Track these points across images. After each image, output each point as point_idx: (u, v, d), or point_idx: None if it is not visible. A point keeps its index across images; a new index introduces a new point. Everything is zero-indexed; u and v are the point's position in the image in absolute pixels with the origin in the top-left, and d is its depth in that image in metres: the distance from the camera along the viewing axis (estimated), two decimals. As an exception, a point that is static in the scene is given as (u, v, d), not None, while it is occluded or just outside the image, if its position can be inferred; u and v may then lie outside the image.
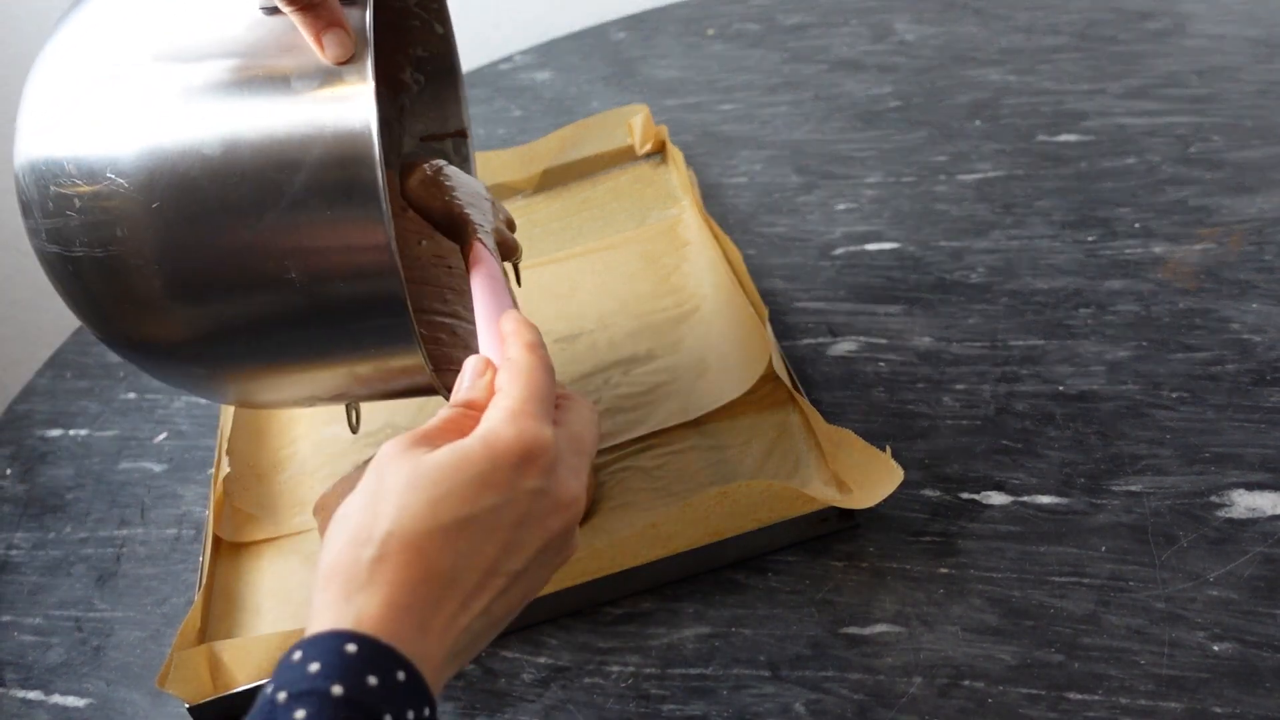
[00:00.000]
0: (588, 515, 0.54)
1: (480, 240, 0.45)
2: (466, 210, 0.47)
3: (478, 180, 0.52)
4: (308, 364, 0.43)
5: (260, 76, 0.38)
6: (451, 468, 0.32)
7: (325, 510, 0.57)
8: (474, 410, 0.36)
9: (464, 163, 0.59)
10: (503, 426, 0.33)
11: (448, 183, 0.48)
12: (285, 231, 0.38)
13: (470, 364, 0.38)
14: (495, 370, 0.37)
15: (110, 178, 0.39)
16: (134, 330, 0.42)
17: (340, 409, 0.63)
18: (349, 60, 0.38)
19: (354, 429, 0.52)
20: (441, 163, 0.50)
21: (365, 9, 0.39)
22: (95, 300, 0.42)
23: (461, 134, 0.59)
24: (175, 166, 0.38)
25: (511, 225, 0.50)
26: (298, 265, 0.38)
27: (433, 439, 0.34)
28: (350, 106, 0.37)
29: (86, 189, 0.39)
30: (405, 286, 0.39)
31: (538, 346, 0.37)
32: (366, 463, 0.58)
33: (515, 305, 0.42)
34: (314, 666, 0.29)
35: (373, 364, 0.42)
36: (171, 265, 0.39)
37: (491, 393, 0.36)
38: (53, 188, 0.40)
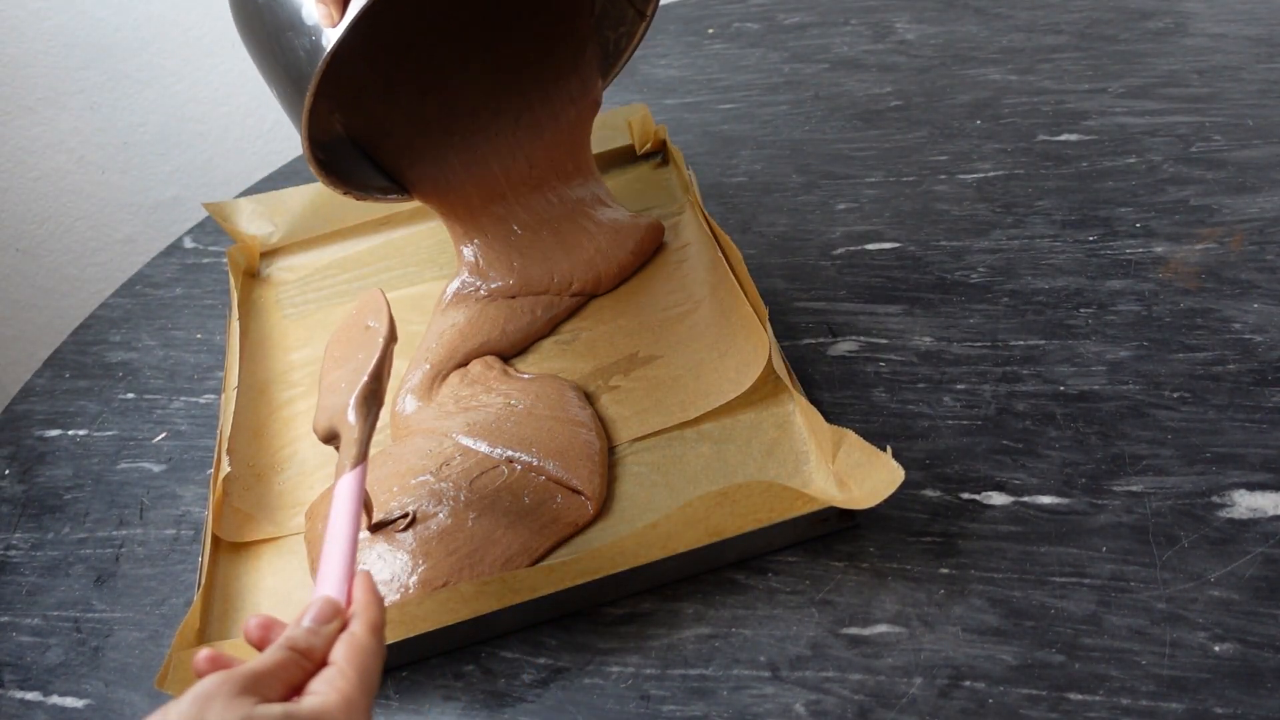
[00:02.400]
0: (599, 514, 0.54)
1: (360, 465, 0.45)
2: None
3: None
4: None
5: None
6: None
7: (313, 519, 0.57)
8: (306, 661, 0.36)
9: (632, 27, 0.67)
10: (338, 711, 0.34)
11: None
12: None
13: (318, 605, 0.38)
14: (341, 623, 0.37)
15: None
16: None
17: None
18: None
19: None
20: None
21: None
22: None
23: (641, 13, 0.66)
24: None
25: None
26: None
27: (260, 685, 0.34)
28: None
29: None
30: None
31: (379, 631, 0.37)
32: None
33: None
34: None
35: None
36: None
37: (327, 650, 0.36)
38: None
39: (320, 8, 0.48)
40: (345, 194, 0.61)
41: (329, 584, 0.39)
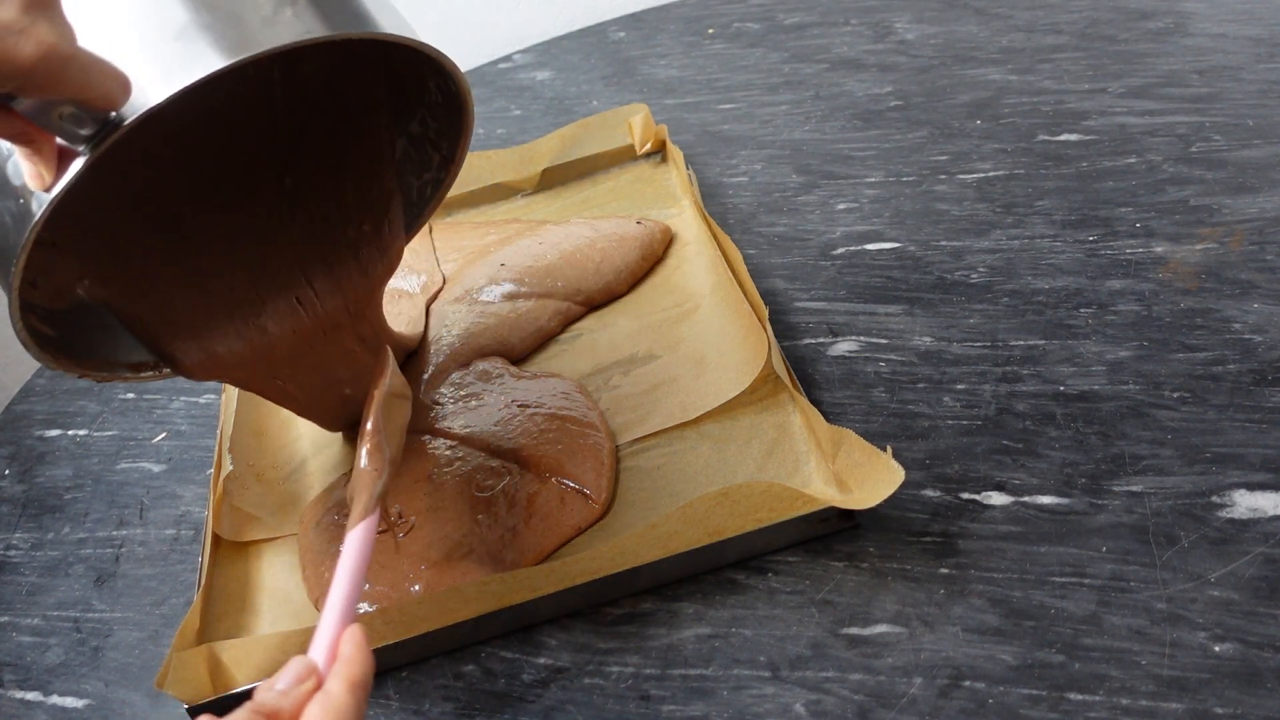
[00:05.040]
0: (605, 514, 0.54)
1: (375, 512, 0.44)
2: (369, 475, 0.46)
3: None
4: None
5: None
6: None
7: (304, 524, 0.57)
8: None
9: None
10: None
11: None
12: None
13: (293, 666, 0.37)
14: (316, 684, 0.36)
15: None
16: None
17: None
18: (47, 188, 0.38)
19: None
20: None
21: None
22: None
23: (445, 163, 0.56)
24: None
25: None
26: None
27: None
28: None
29: None
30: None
31: (359, 686, 0.36)
32: (346, 475, 0.58)
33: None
34: None
35: None
36: None
37: (299, 711, 0.35)
38: None
39: (28, 165, 0.38)
40: (80, 376, 0.50)
41: (319, 646, 0.38)
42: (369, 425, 0.47)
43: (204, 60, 0.38)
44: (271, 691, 0.35)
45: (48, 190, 0.38)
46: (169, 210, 0.52)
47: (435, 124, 0.54)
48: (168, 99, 0.37)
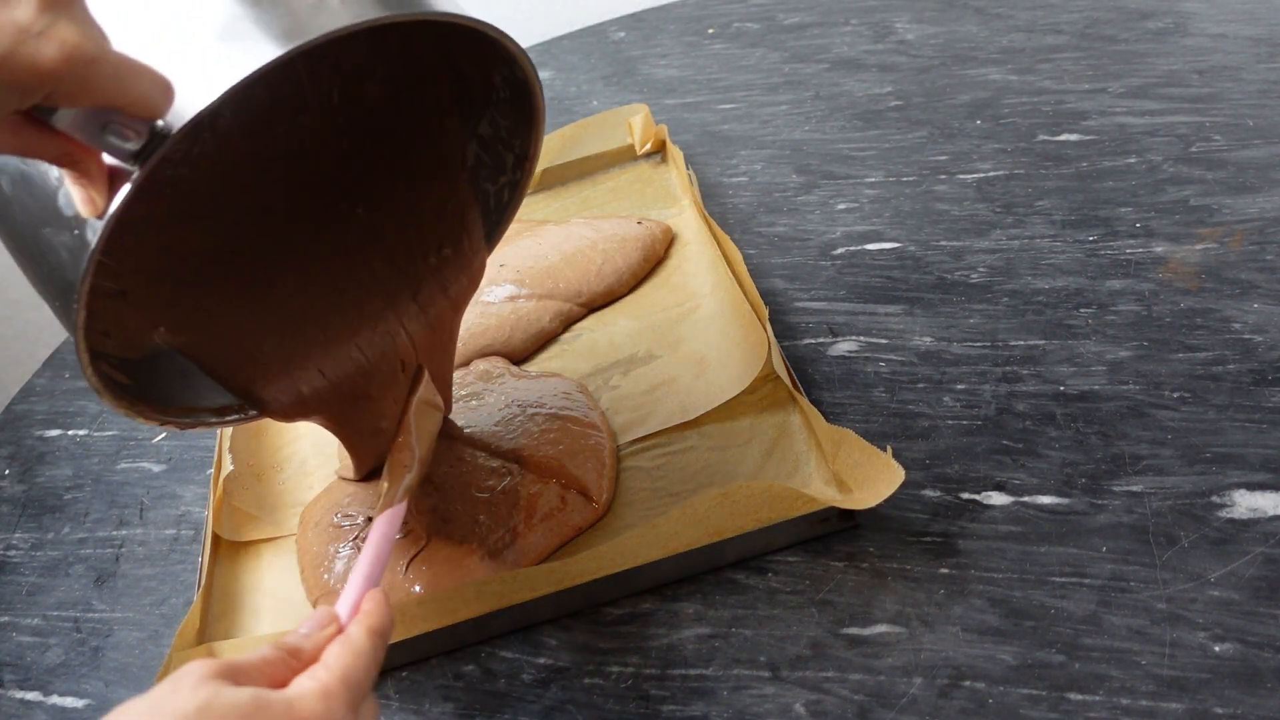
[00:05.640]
0: (605, 514, 0.54)
1: (402, 502, 0.46)
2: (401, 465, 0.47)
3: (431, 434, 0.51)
4: None
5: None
6: (248, 709, 0.31)
7: (304, 524, 0.57)
8: (295, 661, 0.35)
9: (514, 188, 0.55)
10: (312, 699, 0.33)
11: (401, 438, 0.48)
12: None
13: (318, 613, 0.38)
14: (336, 631, 0.37)
15: None
16: None
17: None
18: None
19: None
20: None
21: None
22: None
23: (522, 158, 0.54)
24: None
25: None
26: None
27: (240, 675, 0.33)
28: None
29: None
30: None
31: (378, 634, 0.37)
32: (346, 477, 0.58)
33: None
34: None
35: None
36: None
37: (318, 652, 0.36)
38: None
39: (79, 190, 0.35)
40: (162, 424, 0.47)
41: (343, 604, 0.39)
42: (403, 424, 0.49)
43: (252, 56, 0.35)
44: (294, 634, 0.37)
45: (100, 216, 0.35)
46: (242, 252, 0.49)
47: (505, 121, 0.52)
48: (218, 99, 0.34)
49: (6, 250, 0.42)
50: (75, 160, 0.34)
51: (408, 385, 0.51)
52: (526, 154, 0.52)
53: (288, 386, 0.50)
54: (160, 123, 0.34)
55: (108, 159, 0.35)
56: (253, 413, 0.50)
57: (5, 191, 0.40)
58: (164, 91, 0.34)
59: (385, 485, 0.47)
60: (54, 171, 0.37)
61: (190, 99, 0.34)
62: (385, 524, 0.44)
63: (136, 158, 0.34)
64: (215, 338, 0.48)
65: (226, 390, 0.49)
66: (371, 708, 0.36)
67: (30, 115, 0.32)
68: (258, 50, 0.35)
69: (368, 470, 0.57)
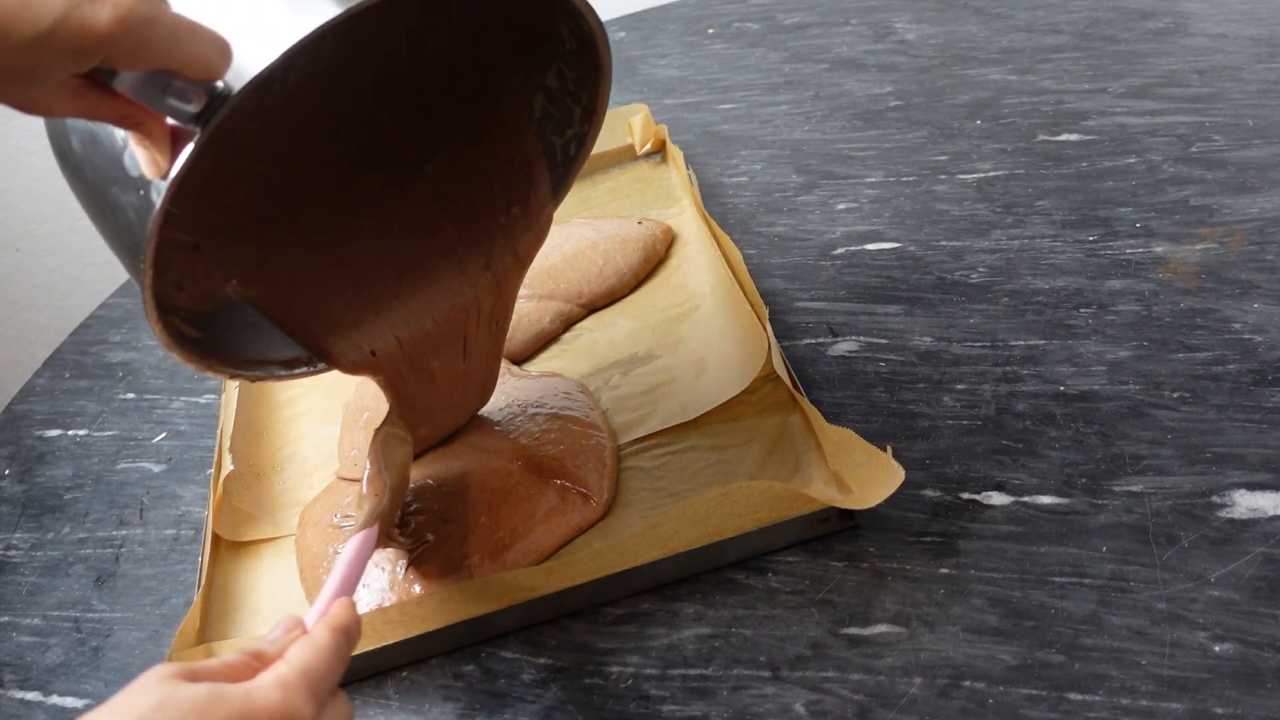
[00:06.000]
0: (605, 514, 0.54)
1: (376, 525, 0.46)
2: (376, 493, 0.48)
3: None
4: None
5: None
6: (204, 702, 0.31)
7: (304, 525, 0.57)
8: (257, 663, 0.35)
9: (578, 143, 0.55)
10: (269, 689, 0.33)
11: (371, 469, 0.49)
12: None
13: (283, 620, 0.38)
14: (301, 633, 0.37)
15: None
16: None
17: (341, 408, 0.63)
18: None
19: None
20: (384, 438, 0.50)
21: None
22: None
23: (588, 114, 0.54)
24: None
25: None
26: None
27: (200, 676, 0.33)
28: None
29: None
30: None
31: (341, 631, 0.37)
32: (345, 478, 0.58)
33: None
34: None
35: None
36: None
37: (279, 655, 0.36)
38: None
39: (142, 152, 0.36)
40: (231, 377, 0.48)
41: (310, 615, 0.39)
42: (371, 455, 0.49)
43: (311, 14, 0.35)
44: (260, 640, 0.37)
45: (164, 177, 0.35)
46: (312, 205, 0.50)
47: (572, 74, 0.52)
48: (279, 59, 0.34)
49: (80, 206, 0.43)
50: (137, 122, 0.34)
51: (465, 380, 0.53)
52: (594, 107, 0.52)
53: (356, 342, 0.51)
54: (220, 84, 0.34)
55: (170, 120, 0.35)
56: (321, 365, 0.51)
57: (76, 151, 0.40)
58: (222, 53, 0.33)
59: (367, 497, 0.47)
60: (119, 132, 0.37)
61: (253, 58, 0.34)
62: (358, 543, 0.44)
63: (198, 120, 0.34)
64: (287, 290, 0.49)
65: (296, 343, 0.50)
66: (342, 708, 0.36)
67: (92, 79, 0.33)
68: (320, 7, 0.35)
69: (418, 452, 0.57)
